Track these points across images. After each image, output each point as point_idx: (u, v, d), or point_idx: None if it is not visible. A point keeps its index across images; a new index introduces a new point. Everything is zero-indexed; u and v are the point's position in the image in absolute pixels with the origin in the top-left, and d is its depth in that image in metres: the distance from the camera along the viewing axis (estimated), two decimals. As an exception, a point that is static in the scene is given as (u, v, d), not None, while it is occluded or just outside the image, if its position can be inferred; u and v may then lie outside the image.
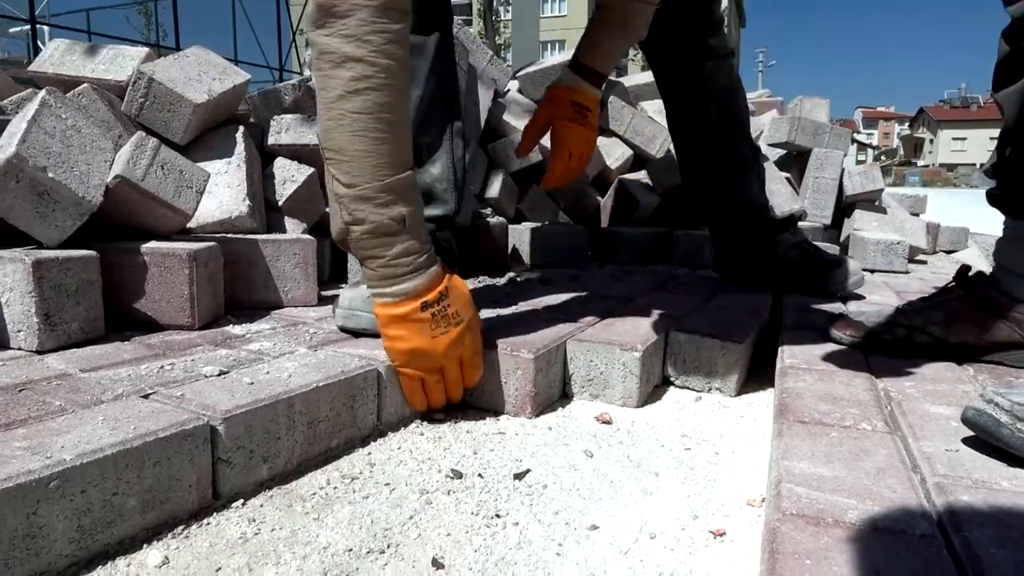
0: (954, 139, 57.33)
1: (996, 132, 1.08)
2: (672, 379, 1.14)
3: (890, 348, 1.04)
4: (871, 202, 2.49)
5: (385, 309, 0.88)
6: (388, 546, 0.64)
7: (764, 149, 2.63)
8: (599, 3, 1.29)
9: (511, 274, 1.74)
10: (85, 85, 1.28)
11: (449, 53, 1.24)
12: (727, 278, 1.65)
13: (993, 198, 1.05)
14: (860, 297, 1.49)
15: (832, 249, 2.08)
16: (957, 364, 0.99)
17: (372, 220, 0.84)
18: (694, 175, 1.61)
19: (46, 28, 9.92)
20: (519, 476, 0.79)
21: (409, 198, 0.86)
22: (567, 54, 2.54)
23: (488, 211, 2.00)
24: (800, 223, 2.32)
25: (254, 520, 0.67)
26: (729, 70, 1.54)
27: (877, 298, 1.51)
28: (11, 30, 11.29)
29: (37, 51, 9.09)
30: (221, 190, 1.32)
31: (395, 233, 0.85)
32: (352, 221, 0.84)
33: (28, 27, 9.16)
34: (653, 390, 1.11)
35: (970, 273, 1.05)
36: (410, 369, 0.90)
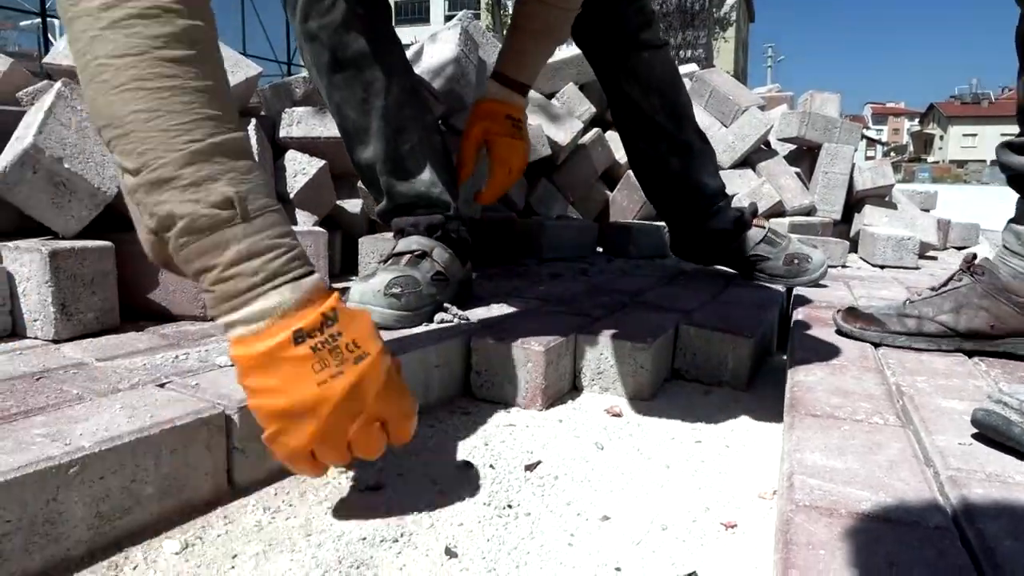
0: (964, 135, 56.99)
1: (1007, 128, 1.10)
2: (682, 373, 1.14)
3: (900, 339, 1.04)
4: (881, 198, 2.48)
5: (241, 347, 0.57)
6: (402, 535, 0.65)
7: (774, 144, 2.62)
8: (517, 11, 1.26)
9: (520, 268, 1.75)
10: (99, 77, 1.28)
11: (397, 47, 1.20)
12: (689, 260, 1.72)
13: (1013, 180, 1.04)
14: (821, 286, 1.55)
15: (840, 245, 2.07)
16: (968, 358, 0.99)
17: (181, 213, 0.55)
18: (646, 166, 1.62)
19: (56, 21, 9.96)
20: (530, 468, 0.80)
21: (236, 172, 0.57)
22: (574, 48, 2.53)
23: (497, 205, 2.00)
24: (810, 218, 2.32)
25: (269, 508, 0.68)
26: (666, 59, 1.55)
27: (886, 294, 1.51)
28: (22, 23, 11.35)
29: (47, 44, 9.14)
30: (233, 182, 1.32)
31: (222, 225, 0.56)
32: (158, 225, 0.56)
33: (39, 20, 9.20)
34: (663, 383, 1.11)
35: (976, 261, 1.05)
36: (292, 440, 0.58)
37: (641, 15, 1.49)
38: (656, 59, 1.52)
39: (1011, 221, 1.04)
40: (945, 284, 1.06)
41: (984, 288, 1.02)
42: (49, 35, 9.23)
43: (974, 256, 1.06)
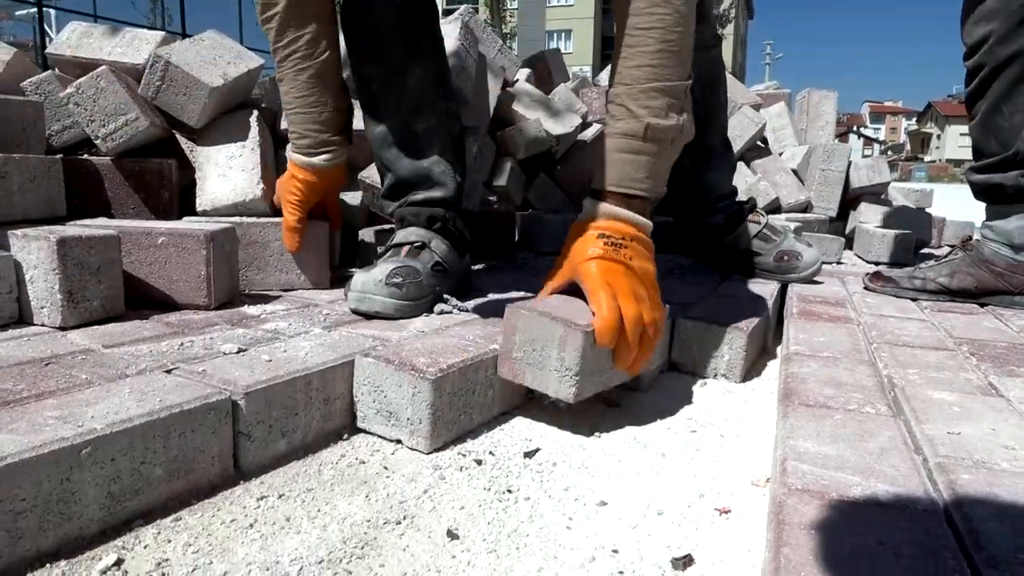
0: (962, 135, 56.99)
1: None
2: (678, 364, 1.16)
3: (909, 293, 1.42)
4: (877, 195, 2.49)
5: None
6: (404, 517, 0.66)
7: (771, 140, 2.63)
8: None
9: (519, 261, 1.76)
10: (103, 67, 1.29)
11: (429, 38, 1.23)
12: (687, 251, 1.77)
13: (981, 192, 1.41)
14: (818, 283, 1.58)
15: (836, 241, 2.09)
16: (960, 353, 1.01)
17: None
18: None
19: (52, 11, 9.92)
20: (529, 454, 0.81)
21: None
22: (573, 43, 2.53)
23: (496, 198, 2.02)
24: (806, 214, 2.34)
25: (274, 491, 0.69)
26: (710, 61, 1.53)
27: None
28: (18, 13, 11.29)
29: (44, 34, 9.10)
30: (235, 173, 1.33)
31: None
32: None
33: (35, 10, 9.16)
34: (659, 375, 1.12)
35: (970, 241, 1.43)
36: None
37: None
38: (699, 61, 1.51)
39: (985, 221, 1.41)
40: (945, 256, 1.45)
41: (972, 259, 1.39)
42: (45, 25, 9.19)
43: (969, 237, 1.42)
